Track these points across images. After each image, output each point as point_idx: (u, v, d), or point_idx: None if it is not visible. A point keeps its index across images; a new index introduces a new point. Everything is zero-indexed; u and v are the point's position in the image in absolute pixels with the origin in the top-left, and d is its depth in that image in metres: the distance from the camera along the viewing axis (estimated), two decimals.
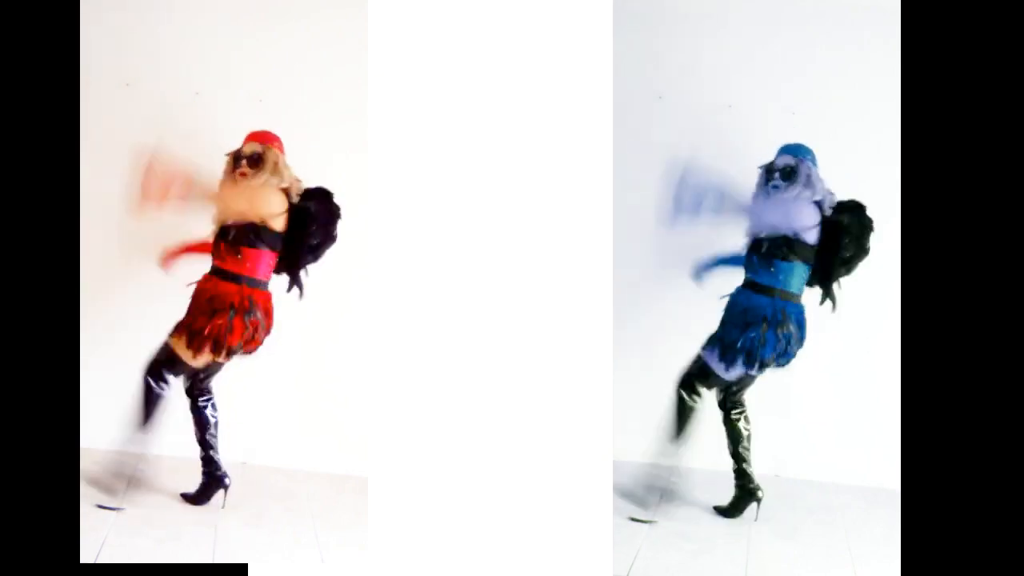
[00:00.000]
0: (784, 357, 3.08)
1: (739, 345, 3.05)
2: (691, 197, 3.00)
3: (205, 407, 3.21)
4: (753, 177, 3.18)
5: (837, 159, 3.24)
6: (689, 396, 3.18)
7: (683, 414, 3.19)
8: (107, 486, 3.08)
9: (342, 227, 3.32)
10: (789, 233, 3.03)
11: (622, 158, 3.18)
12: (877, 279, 3.52)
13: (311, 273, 3.31)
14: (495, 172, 2.85)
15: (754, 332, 3.03)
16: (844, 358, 3.71)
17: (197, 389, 3.20)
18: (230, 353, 3.03)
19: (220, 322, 2.95)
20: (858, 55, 3.60)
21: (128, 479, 3.12)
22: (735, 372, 3.12)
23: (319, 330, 3.67)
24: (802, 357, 3.17)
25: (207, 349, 2.99)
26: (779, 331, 3.02)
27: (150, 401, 3.04)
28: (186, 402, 3.21)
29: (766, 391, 3.33)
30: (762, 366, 3.08)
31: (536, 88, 3.35)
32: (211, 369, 3.17)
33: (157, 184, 2.94)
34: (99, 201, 3.45)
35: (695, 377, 3.18)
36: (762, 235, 3.08)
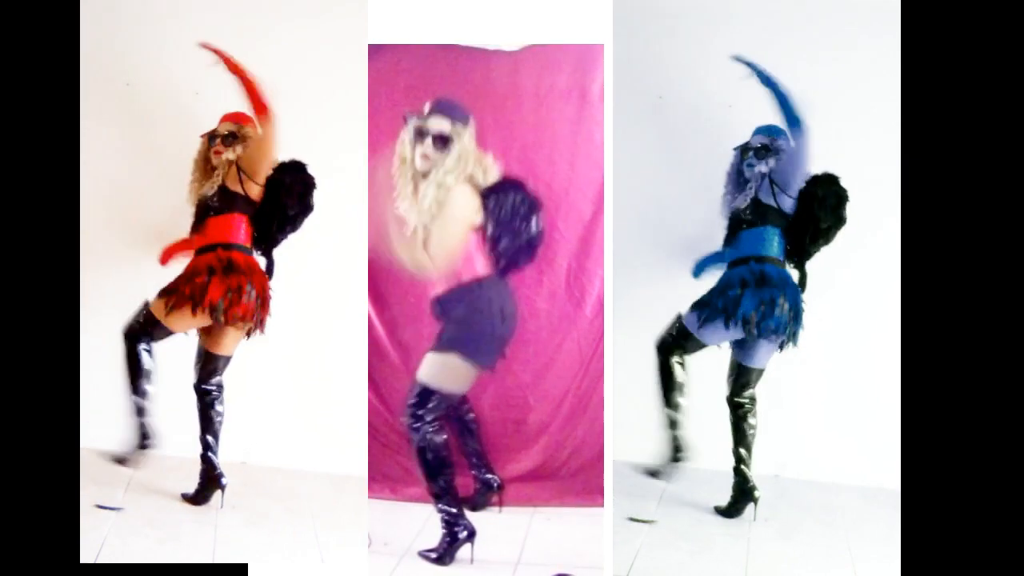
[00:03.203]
0: (774, 320, 3.02)
1: (718, 305, 3.06)
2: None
3: (212, 405, 3.20)
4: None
5: (837, 158, 3.24)
6: (667, 358, 3.16)
7: (666, 377, 3.17)
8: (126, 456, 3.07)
9: (341, 226, 3.32)
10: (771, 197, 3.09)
11: (622, 158, 3.18)
12: (876, 280, 3.52)
13: (311, 273, 3.30)
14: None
15: (732, 292, 3.05)
16: (844, 358, 3.71)
17: (205, 385, 3.20)
18: (213, 311, 2.99)
19: (199, 281, 2.99)
20: (858, 55, 3.60)
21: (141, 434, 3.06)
22: (715, 334, 3.10)
23: (319, 330, 3.66)
24: (801, 357, 3.17)
25: (185, 307, 2.98)
26: (759, 289, 3.02)
27: (132, 364, 3.03)
28: (192, 399, 3.20)
29: (766, 391, 3.32)
30: (745, 324, 3.02)
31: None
32: (218, 363, 3.18)
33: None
34: (99, 201, 3.46)
35: (672, 339, 3.16)
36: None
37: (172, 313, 3.00)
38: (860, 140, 3.56)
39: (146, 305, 3.05)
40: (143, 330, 3.02)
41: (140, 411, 3.03)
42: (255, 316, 3.07)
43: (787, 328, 3.05)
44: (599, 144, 3.26)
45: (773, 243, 3.12)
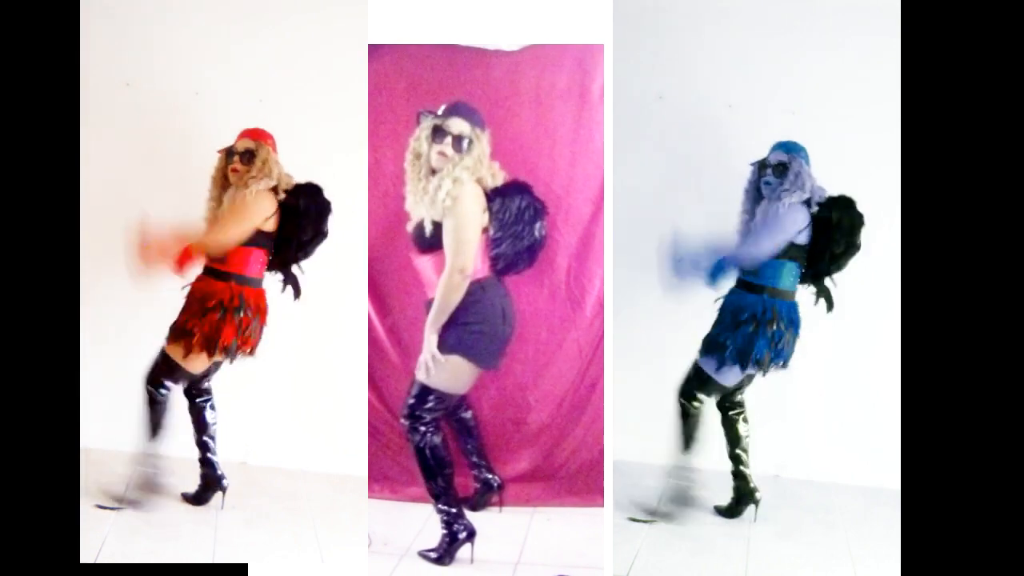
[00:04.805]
0: (780, 356, 3.05)
1: (730, 346, 3.03)
2: (689, 263, 2.99)
3: (204, 408, 3.20)
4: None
5: (837, 159, 3.24)
6: (689, 403, 3.14)
7: (687, 422, 3.15)
8: (133, 498, 3.08)
9: (341, 226, 3.31)
10: (783, 245, 3.02)
11: (622, 158, 3.18)
12: (877, 279, 3.52)
13: (310, 274, 3.30)
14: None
15: (744, 331, 3.02)
16: (844, 358, 3.71)
17: (196, 390, 3.19)
18: (227, 352, 3.00)
19: (211, 320, 2.94)
20: (858, 55, 3.60)
21: (148, 484, 3.09)
22: (732, 376, 3.09)
23: (318, 330, 3.67)
24: (801, 357, 3.17)
25: (203, 351, 2.97)
26: (769, 328, 3.01)
27: (154, 409, 3.03)
28: (185, 403, 3.20)
29: (765, 392, 3.32)
30: (759, 365, 3.05)
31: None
32: (210, 370, 3.17)
33: (155, 252, 2.89)
34: (99, 201, 3.46)
35: (693, 385, 3.14)
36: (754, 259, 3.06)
37: (189, 356, 2.99)
38: (859, 142, 3.57)
39: (162, 350, 3.02)
40: (164, 375, 3.02)
41: (146, 462, 3.06)
42: (256, 344, 3.09)
43: (788, 359, 3.09)
44: (599, 144, 3.25)
45: (790, 277, 3.08)
